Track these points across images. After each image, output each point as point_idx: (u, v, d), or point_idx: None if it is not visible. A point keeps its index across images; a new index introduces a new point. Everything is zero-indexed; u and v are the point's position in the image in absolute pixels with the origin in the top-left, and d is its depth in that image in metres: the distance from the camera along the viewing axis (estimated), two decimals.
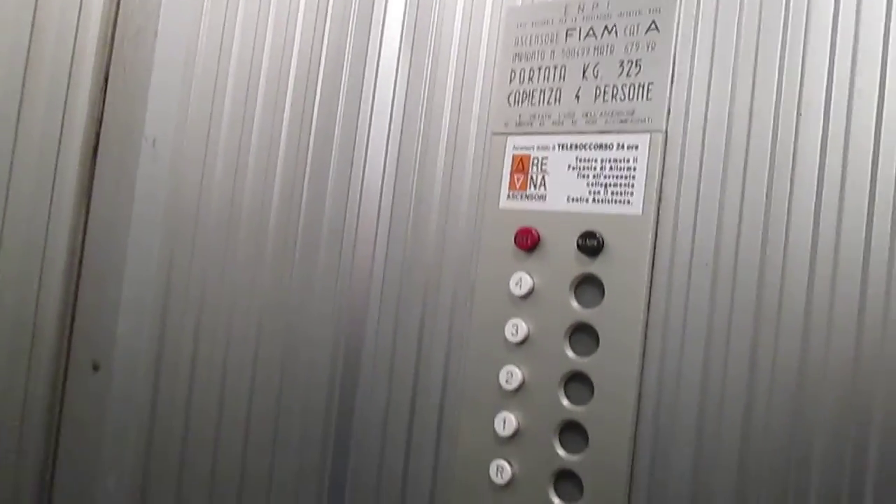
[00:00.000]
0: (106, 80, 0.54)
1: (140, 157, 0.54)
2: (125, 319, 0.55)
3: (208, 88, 0.58)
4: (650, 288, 0.46)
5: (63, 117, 0.52)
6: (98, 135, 0.55)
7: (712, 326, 0.44)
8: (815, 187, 0.42)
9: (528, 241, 0.49)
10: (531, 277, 0.49)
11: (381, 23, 0.57)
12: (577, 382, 0.47)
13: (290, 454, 0.56)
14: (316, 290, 0.56)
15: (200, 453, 0.57)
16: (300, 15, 0.58)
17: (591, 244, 0.47)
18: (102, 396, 0.54)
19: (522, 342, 0.49)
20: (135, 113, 0.54)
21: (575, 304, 0.48)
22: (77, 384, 0.56)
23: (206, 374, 0.57)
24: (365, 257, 0.55)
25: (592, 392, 0.46)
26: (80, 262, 0.56)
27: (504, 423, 0.49)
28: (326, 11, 0.58)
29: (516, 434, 0.48)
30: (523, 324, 0.49)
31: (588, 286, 0.48)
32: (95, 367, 0.54)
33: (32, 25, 0.50)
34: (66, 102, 0.52)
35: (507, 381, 0.49)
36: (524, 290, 0.49)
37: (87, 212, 0.55)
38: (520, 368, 0.49)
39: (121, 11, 0.55)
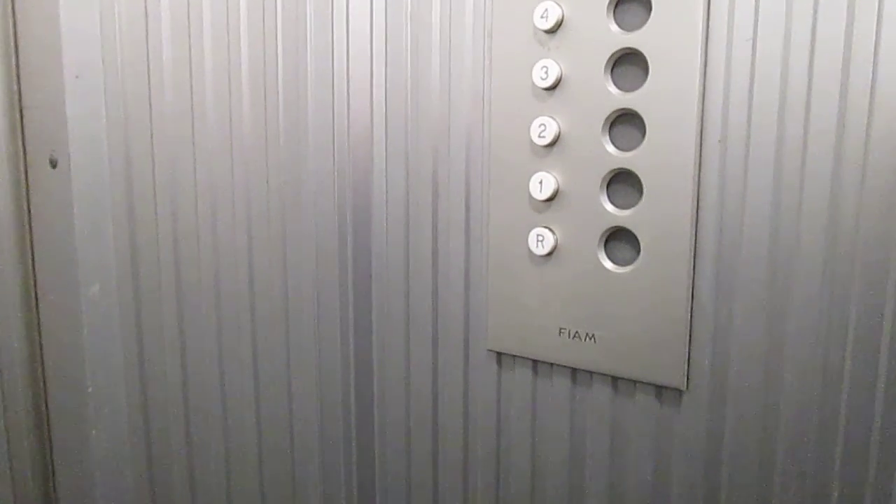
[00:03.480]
0: None
1: None
2: None
3: None
4: None
5: None
6: None
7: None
8: None
9: None
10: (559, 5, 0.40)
11: None
12: (625, 125, 0.39)
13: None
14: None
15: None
16: None
17: None
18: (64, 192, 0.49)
19: (554, 86, 0.40)
20: None
21: (614, 27, 0.39)
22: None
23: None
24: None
25: (644, 134, 0.38)
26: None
27: (541, 184, 0.41)
28: None
29: (556, 196, 0.41)
30: (554, 64, 0.40)
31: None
32: (53, 164, 0.48)
33: None
34: None
35: (540, 136, 0.41)
36: (551, 23, 0.40)
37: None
38: (555, 118, 0.41)
39: None
